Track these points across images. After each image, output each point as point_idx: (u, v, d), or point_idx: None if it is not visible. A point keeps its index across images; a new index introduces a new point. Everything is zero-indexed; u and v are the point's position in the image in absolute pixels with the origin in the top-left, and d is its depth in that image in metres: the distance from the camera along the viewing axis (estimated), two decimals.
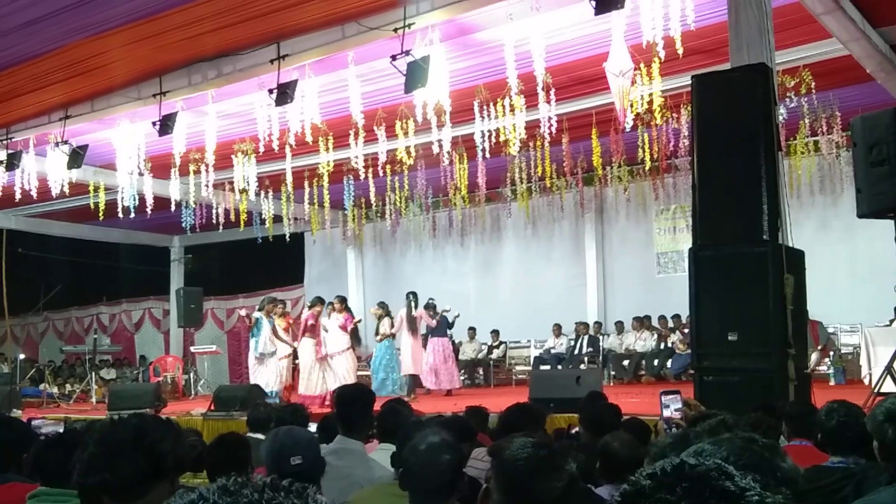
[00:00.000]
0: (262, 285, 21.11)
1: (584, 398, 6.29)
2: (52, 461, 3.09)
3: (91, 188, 14.39)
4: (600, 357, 15.45)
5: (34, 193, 12.87)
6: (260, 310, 13.48)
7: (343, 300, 13.93)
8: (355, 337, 13.60)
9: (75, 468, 2.09)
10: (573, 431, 6.57)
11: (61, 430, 4.32)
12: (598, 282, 16.99)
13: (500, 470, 2.21)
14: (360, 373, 15.01)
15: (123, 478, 2.01)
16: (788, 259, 6.70)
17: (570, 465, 2.20)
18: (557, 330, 16.33)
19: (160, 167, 13.20)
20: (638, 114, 10.25)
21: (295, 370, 13.64)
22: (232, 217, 15.64)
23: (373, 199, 15.09)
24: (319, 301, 13.46)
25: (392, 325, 14.13)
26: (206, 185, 13.56)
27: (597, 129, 12.33)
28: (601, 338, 15.91)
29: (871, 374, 10.78)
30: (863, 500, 2.86)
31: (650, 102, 9.85)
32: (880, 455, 3.08)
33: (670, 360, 14.70)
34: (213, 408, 11.41)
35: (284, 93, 9.74)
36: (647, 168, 13.40)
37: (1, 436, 3.74)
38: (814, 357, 11.28)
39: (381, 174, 13.41)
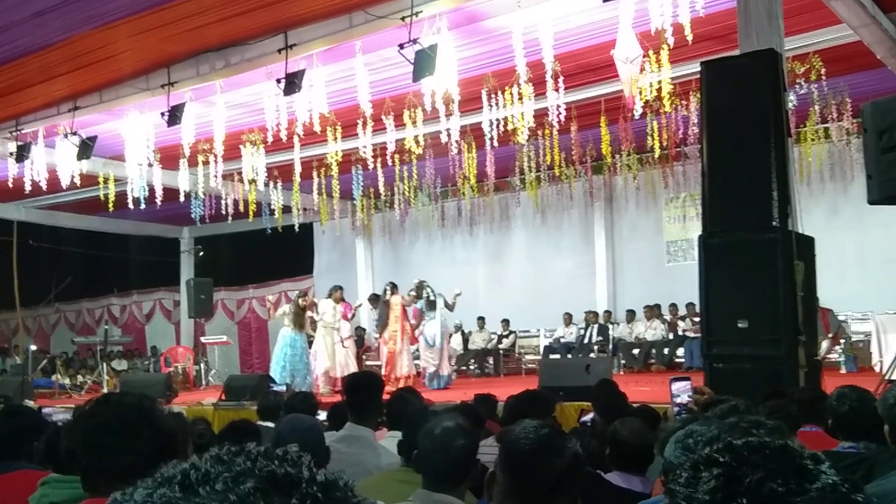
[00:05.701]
0: (272, 276, 21.19)
1: (595, 385, 6.29)
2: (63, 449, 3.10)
3: (101, 179, 14.42)
4: (610, 346, 15.44)
5: (44, 185, 12.91)
6: (420, 296, 13.62)
7: (340, 290, 14.09)
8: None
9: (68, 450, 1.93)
10: (587, 419, 6.57)
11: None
12: (607, 270, 16.96)
13: (504, 451, 2.23)
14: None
15: (135, 452, 1.87)
16: (798, 246, 6.68)
17: (572, 445, 2.21)
18: (567, 319, 16.32)
19: (169, 158, 13.21)
20: (647, 101, 10.20)
21: None
22: (241, 208, 15.68)
23: (381, 188, 15.08)
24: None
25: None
26: (215, 176, 13.58)
27: (606, 117, 12.28)
28: (611, 326, 15.89)
29: (882, 362, 10.78)
30: (874, 485, 2.85)
31: (659, 90, 9.82)
32: (891, 439, 3.07)
33: (681, 349, 14.68)
34: (223, 397, 11.47)
35: (292, 82, 9.75)
36: (656, 156, 13.37)
37: (13, 424, 3.75)
38: (825, 345, 11.24)
39: (389, 164, 13.40)
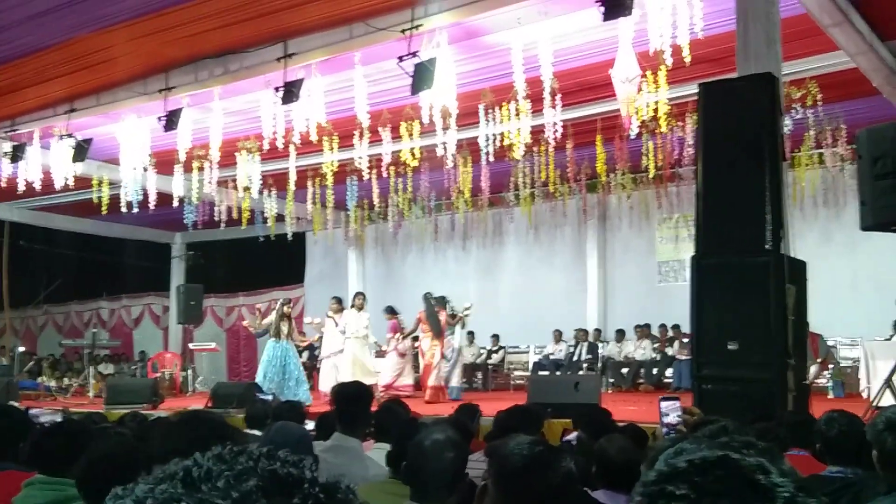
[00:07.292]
0: (263, 284, 21.14)
1: (579, 405, 6.29)
2: (50, 450, 3.08)
3: (95, 182, 14.38)
4: (599, 364, 15.43)
5: (38, 186, 12.88)
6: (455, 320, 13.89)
7: (339, 301, 14.03)
8: None
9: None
10: (570, 438, 6.55)
11: (59, 420, 4.31)
12: (598, 289, 16.98)
13: (498, 465, 2.22)
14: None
15: None
16: (790, 269, 6.69)
17: (566, 462, 2.20)
18: (557, 336, 16.32)
19: (163, 163, 13.19)
20: (643, 121, 10.24)
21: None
22: (234, 215, 15.64)
23: (376, 200, 15.08)
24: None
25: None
26: (210, 182, 13.56)
27: (601, 136, 12.32)
28: (600, 345, 15.89)
29: (869, 388, 10.79)
30: None
31: (656, 110, 9.85)
32: (879, 464, 3.07)
33: (670, 370, 14.69)
34: (210, 404, 11.41)
35: (291, 91, 9.75)
36: (650, 176, 13.40)
37: (1, 424, 3.73)
38: (813, 369, 11.26)
39: (384, 175, 13.40)
